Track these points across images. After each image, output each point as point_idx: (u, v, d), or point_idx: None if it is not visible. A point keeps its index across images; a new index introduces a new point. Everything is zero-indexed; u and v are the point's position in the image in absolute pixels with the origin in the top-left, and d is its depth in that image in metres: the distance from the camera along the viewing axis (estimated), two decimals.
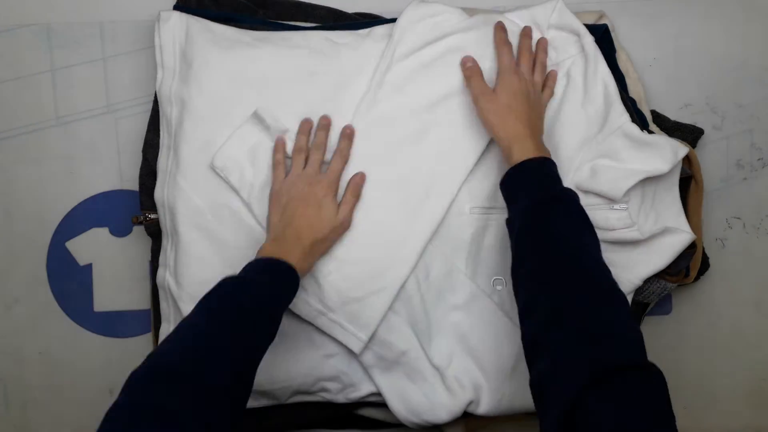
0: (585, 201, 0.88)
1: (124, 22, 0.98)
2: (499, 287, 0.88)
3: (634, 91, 0.95)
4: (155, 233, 0.92)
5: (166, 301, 0.89)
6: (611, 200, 0.86)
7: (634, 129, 0.88)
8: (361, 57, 0.89)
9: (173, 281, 0.88)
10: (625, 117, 0.89)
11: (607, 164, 0.88)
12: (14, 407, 0.99)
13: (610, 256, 0.87)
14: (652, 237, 0.87)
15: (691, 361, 1.03)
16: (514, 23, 0.90)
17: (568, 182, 0.88)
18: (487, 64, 0.87)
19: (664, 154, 0.86)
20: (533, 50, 0.88)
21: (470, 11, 0.91)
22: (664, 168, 0.86)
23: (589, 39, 0.89)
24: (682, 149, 0.88)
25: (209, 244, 0.87)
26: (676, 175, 0.90)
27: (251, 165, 0.86)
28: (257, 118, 0.86)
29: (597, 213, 0.87)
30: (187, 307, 0.86)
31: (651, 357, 1.01)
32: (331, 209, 0.82)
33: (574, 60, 0.89)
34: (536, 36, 0.89)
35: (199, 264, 0.87)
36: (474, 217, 0.87)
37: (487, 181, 0.87)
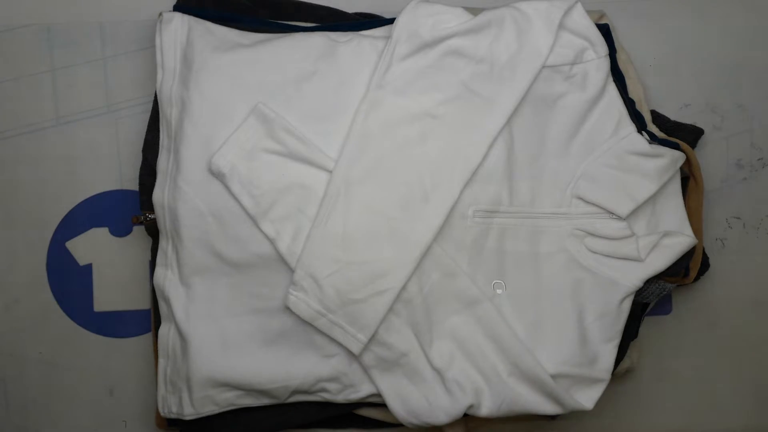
0: (585, 209, 0.89)
1: (124, 22, 0.98)
2: (499, 291, 0.88)
3: (633, 92, 0.95)
4: (155, 233, 0.92)
5: (163, 300, 0.89)
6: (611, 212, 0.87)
7: (639, 140, 0.88)
8: (361, 57, 0.89)
9: (177, 281, 0.88)
10: (631, 128, 0.89)
11: (610, 176, 0.88)
12: (14, 407, 0.99)
13: (611, 258, 0.88)
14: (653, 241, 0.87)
15: (691, 361, 1.03)
16: (525, 16, 0.88)
17: (568, 192, 0.88)
18: (486, 68, 0.87)
19: (665, 165, 0.87)
20: None
21: (472, 10, 0.91)
22: (664, 179, 0.87)
23: (601, 49, 0.89)
24: (680, 159, 0.89)
25: (211, 247, 0.87)
26: (677, 182, 0.91)
27: (250, 170, 0.86)
28: (258, 112, 0.86)
29: (597, 221, 0.88)
30: (187, 310, 0.87)
31: (651, 357, 1.02)
32: None
33: (581, 67, 0.89)
34: (544, 32, 0.87)
35: (201, 267, 0.87)
36: (476, 221, 0.87)
37: (489, 185, 0.87)
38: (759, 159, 1.03)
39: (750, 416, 1.04)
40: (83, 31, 0.98)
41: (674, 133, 0.95)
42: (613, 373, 0.88)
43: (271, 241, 0.85)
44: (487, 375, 0.87)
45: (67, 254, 0.98)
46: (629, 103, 0.91)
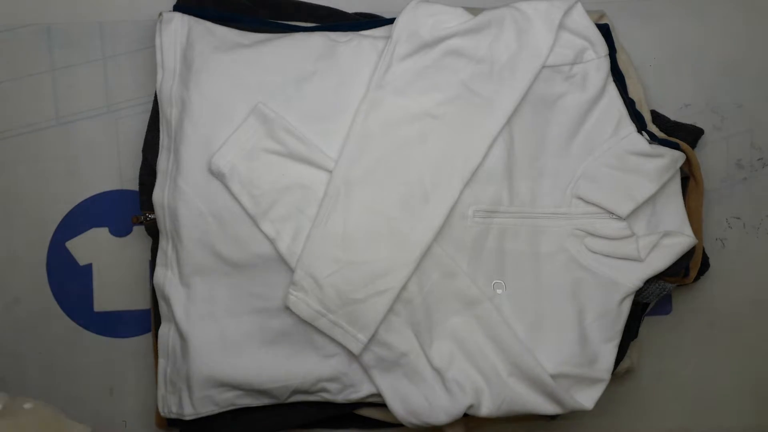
0: (585, 209, 0.89)
1: (124, 22, 0.98)
2: (499, 291, 0.88)
3: (633, 92, 0.94)
4: (155, 233, 0.92)
5: (163, 300, 0.89)
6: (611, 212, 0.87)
7: (639, 140, 0.89)
8: (361, 57, 0.89)
9: (177, 281, 0.88)
10: (631, 128, 0.89)
11: (610, 176, 0.88)
12: None
13: (611, 258, 0.88)
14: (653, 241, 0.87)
15: (691, 361, 1.03)
16: (525, 16, 0.88)
17: (568, 192, 0.88)
18: (486, 68, 0.87)
19: (665, 165, 0.87)
20: None
21: (472, 11, 0.91)
22: (664, 179, 0.87)
23: (601, 49, 0.89)
24: (680, 159, 0.89)
25: (211, 247, 0.87)
26: (677, 182, 0.91)
27: (250, 170, 0.86)
28: (258, 113, 0.86)
29: (597, 221, 0.88)
30: (187, 310, 0.88)
31: (651, 357, 1.02)
32: None
33: (581, 67, 0.89)
34: (543, 32, 0.87)
35: (201, 267, 0.87)
36: (476, 221, 0.87)
37: (489, 185, 0.87)
38: (759, 159, 1.03)
39: (750, 416, 1.04)
40: (83, 31, 0.98)
41: (674, 133, 0.95)
42: (613, 373, 0.88)
43: (271, 241, 0.85)
44: (487, 375, 0.87)
45: (67, 254, 0.98)
46: (629, 103, 0.91)
